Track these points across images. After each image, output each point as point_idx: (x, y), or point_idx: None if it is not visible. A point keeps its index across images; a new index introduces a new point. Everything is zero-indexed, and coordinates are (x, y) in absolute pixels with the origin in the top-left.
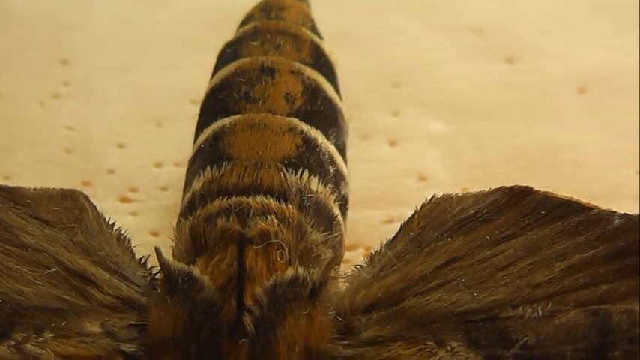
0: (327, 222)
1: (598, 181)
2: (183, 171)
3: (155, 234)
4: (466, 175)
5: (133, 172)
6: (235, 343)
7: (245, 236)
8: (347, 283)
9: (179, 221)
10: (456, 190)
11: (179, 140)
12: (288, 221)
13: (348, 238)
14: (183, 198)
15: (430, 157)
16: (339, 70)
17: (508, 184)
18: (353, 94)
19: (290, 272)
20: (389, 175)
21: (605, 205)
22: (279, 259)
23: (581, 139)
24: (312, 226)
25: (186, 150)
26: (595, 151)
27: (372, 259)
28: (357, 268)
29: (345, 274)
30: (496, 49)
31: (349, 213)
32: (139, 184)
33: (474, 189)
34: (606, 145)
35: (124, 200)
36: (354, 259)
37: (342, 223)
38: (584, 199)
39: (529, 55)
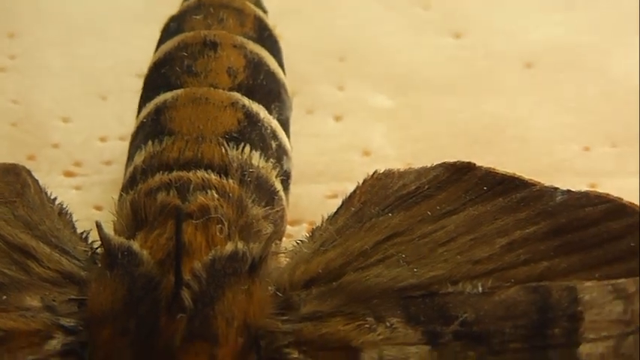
0: (269, 197)
1: (544, 157)
2: (127, 145)
3: (99, 208)
4: (411, 149)
5: (77, 146)
6: (173, 318)
7: (182, 210)
8: (287, 259)
9: (121, 195)
10: (400, 164)
11: (124, 114)
12: (229, 196)
13: (291, 213)
14: (125, 172)
15: (375, 131)
16: (284, 44)
17: (453, 159)
18: (298, 68)
19: (229, 247)
20: (333, 150)
21: (550, 181)
22: (218, 233)
23: (527, 114)
24: (252, 201)
25: (131, 124)
26: (541, 126)
27: (313, 234)
28: (297, 243)
29: (286, 249)
30: (443, 24)
31: (292, 188)
32: (83, 158)
33: (419, 164)
34: (552, 120)
35: (69, 174)
36: (297, 234)
37: (283, 197)
38: (529, 175)
39: (476, 29)
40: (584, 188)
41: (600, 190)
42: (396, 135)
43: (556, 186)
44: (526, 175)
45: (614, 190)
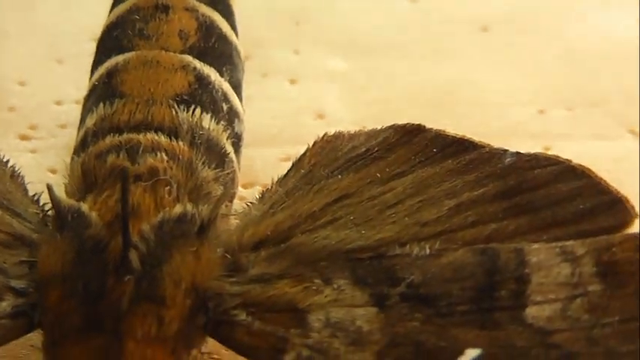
0: (219, 159)
1: (498, 120)
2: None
3: (54, 171)
4: (365, 113)
5: (33, 110)
6: (121, 280)
7: (127, 171)
8: (237, 221)
9: (72, 158)
10: (355, 128)
11: (80, 78)
12: (179, 158)
13: (244, 176)
14: (77, 135)
15: (330, 94)
16: (240, 7)
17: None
18: (253, 31)
19: (178, 209)
20: (288, 113)
21: (505, 144)
22: (167, 195)
23: (483, 78)
24: (202, 163)
25: (86, 88)
26: (496, 89)
27: (262, 196)
28: (247, 205)
29: (236, 211)
30: None
31: (246, 151)
32: (38, 122)
33: (373, 127)
34: (507, 83)
35: (24, 138)
36: (250, 196)
37: (234, 160)
38: (484, 138)
39: None
40: (538, 151)
41: (555, 153)
42: (351, 98)
43: (506, 148)
44: (481, 138)
45: (568, 153)
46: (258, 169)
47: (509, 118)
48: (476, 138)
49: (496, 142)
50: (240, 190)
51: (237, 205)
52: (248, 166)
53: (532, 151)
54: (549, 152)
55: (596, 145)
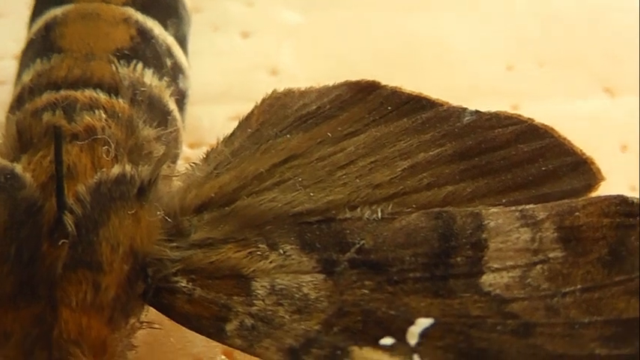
0: (161, 117)
1: (464, 77)
2: None
3: None
4: (321, 69)
5: None
6: (55, 244)
7: (61, 129)
8: (180, 183)
9: (8, 117)
10: (309, 85)
11: (18, 33)
12: (118, 116)
13: (191, 135)
14: (13, 92)
15: (284, 49)
16: None
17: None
18: None
19: (117, 170)
20: (239, 69)
21: (470, 103)
22: (105, 155)
23: (448, 32)
24: (144, 122)
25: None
26: (462, 43)
27: (207, 157)
28: (191, 166)
29: (179, 172)
30: None
31: (193, 109)
32: None
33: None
34: (475, 37)
35: None
36: (197, 157)
37: (178, 118)
38: (448, 96)
39: None
40: (504, 110)
41: (523, 112)
42: (306, 53)
43: (465, 107)
44: (443, 96)
45: (538, 112)
46: (206, 128)
47: (474, 75)
48: (438, 96)
49: (460, 101)
50: (187, 151)
51: (182, 166)
52: (195, 124)
53: (499, 110)
54: (517, 112)
55: (569, 105)
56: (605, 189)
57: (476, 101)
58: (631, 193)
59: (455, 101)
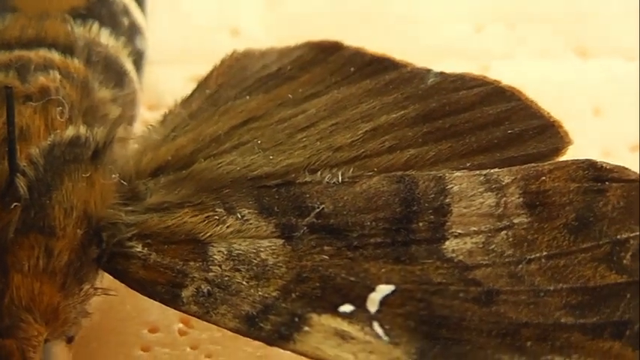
0: (118, 78)
1: (431, 37)
2: None
3: None
4: (285, 30)
5: None
6: (7, 208)
7: (12, 90)
8: (136, 145)
9: None
10: (271, 46)
11: None
12: (73, 77)
13: (149, 97)
14: None
15: (246, 9)
16: None
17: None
18: None
19: (71, 131)
20: (200, 29)
21: (438, 64)
22: (59, 117)
23: None
24: (99, 83)
25: None
26: (429, 3)
27: (164, 119)
28: (148, 128)
29: (135, 135)
30: None
31: (153, 69)
32: None
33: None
34: None
35: None
36: (155, 119)
37: (135, 79)
38: (415, 58)
39: None
40: (472, 72)
41: (492, 74)
42: (269, 13)
43: (430, 68)
44: (410, 58)
45: (508, 75)
46: (165, 89)
47: (442, 36)
48: (405, 58)
49: (427, 63)
50: (145, 112)
51: (140, 128)
52: (153, 86)
53: (466, 72)
54: (487, 73)
55: (540, 67)
56: (576, 153)
57: (444, 63)
58: (603, 158)
59: (422, 63)
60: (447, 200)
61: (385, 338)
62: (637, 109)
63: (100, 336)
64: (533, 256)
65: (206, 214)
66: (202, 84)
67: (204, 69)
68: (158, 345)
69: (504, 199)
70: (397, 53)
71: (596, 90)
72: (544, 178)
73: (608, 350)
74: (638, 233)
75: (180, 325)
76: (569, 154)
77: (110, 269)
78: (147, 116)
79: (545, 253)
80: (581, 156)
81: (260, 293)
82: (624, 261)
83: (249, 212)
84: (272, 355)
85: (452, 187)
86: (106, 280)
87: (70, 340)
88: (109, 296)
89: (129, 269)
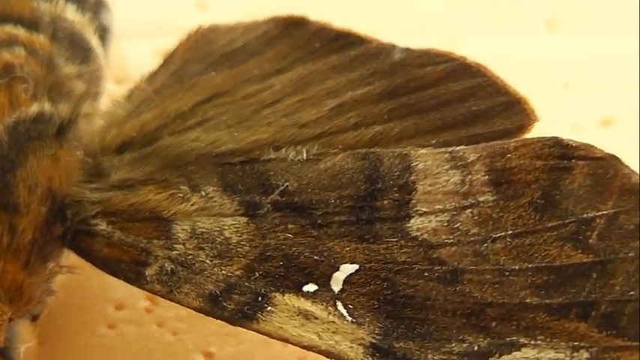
0: (84, 54)
1: (400, 13)
2: None
3: None
4: (253, 3)
5: None
6: None
7: None
8: (102, 121)
9: None
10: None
11: None
12: (38, 53)
13: (117, 71)
14: None
15: None
16: None
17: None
18: None
19: (35, 108)
20: (168, 2)
21: (409, 40)
22: (24, 94)
23: None
24: (65, 59)
25: None
26: None
27: (130, 94)
28: (113, 104)
29: (100, 110)
30: None
31: (119, 44)
32: None
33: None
34: None
35: None
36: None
37: (101, 55)
38: (386, 34)
39: None
40: (444, 47)
41: (463, 49)
42: None
43: (395, 43)
44: (383, 34)
45: (478, 49)
46: (132, 63)
47: (411, 11)
48: (373, 33)
49: (396, 38)
50: (113, 87)
51: (108, 102)
52: (121, 60)
53: (437, 47)
54: (457, 48)
55: (509, 41)
56: (546, 128)
57: (413, 38)
58: (573, 133)
59: (391, 38)
60: (412, 178)
61: (349, 318)
62: (607, 83)
63: (65, 314)
64: (498, 235)
65: (170, 192)
66: (168, 59)
67: (172, 42)
68: (124, 322)
69: (470, 176)
70: (364, 29)
71: (566, 64)
72: (510, 155)
73: (574, 331)
74: (604, 212)
75: (147, 302)
76: (539, 129)
77: (74, 247)
78: (115, 90)
79: (510, 232)
80: (551, 131)
81: (223, 272)
82: (590, 240)
83: (213, 190)
84: (238, 332)
85: (417, 165)
86: (72, 257)
87: (34, 319)
88: (74, 274)
89: (93, 247)
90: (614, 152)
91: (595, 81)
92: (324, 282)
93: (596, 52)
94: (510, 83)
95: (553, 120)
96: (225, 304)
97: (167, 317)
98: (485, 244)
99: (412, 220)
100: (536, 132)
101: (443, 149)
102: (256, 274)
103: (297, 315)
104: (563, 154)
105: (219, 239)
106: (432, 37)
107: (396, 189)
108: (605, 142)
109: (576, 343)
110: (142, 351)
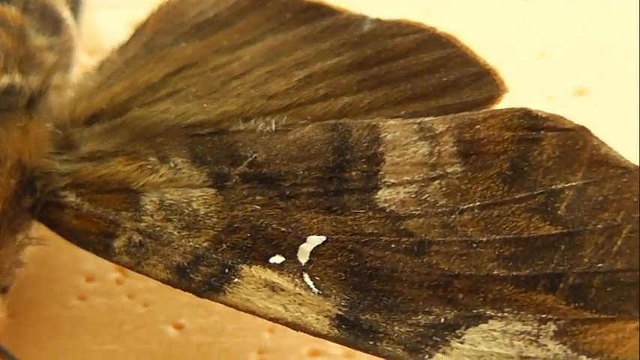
0: (55, 25)
1: None
2: None
3: None
4: None
5: None
6: None
7: None
8: (72, 93)
9: None
10: None
11: None
12: (9, 25)
13: (90, 42)
14: None
15: None
16: None
17: None
18: None
19: (5, 80)
20: None
21: (379, 10)
22: None
23: None
24: (36, 31)
25: None
26: None
27: (101, 66)
28: (84, 75)
29: (71, 82)
30: None
31: (92, 14)
32: None
33: None
34: None
35: None
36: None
37: (73, 26)
38: (358, 4)
39: None
40: (417, 17)
41: (436, 19)
42: None
43: (366, 14)
44: (352, 3)
45: (451, 18)
46: (105, 34)
47: None
48: (342, 4)
49: (368, 8)
50: (85, 58)
51: (80, 73)
52: (94, 31)
53: (409, 18)
54: (430, 17)
55: (482, 9)
56: (519, 98)
57: (386, 8)
58: (547, 103)
59: (363, 8)
60: (380, 149)
61: (315, 290)
62: (582, 52)
63: (35, 285)
64: (466, 207)
65: (139, 163)
66: (139, 30)
67: (144, 13)
68: (94, 294)
69: (438, 147)
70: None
71: (540, 33)
72: (478, 126)
73: (542, 303)
74: (573, 183)
75: (117, 274)
76: (513, 100)
77: (44, 219)
78: (87, 61)
79: (478, 204)
80: (524, 102)
81: (191, 244)
82: (559, 212)
83: (182, 161)
84: (209, 304)
85: (385, 136)
86: (43, 229)
87: (4, 291)
88: (44, 246)
89: (62, 219)
90: (589, 122)
91: (569, 51)
92: (291, 254)
93: (571, 22)
94: (482, 54)
95: (527, 90)
96: (192, 275)
97: (138, 289)
98: (453, 216)
99: (380, 192)
100: (509, 103)
101: (411, 120)
102: (224, 245)
103: (264, 287)
104: (532, 125)
105: (187, 211)
106: (406, 6)
107: (364, 160)
108: (580, 113)
109: (544, 316)
110: (112, 323)
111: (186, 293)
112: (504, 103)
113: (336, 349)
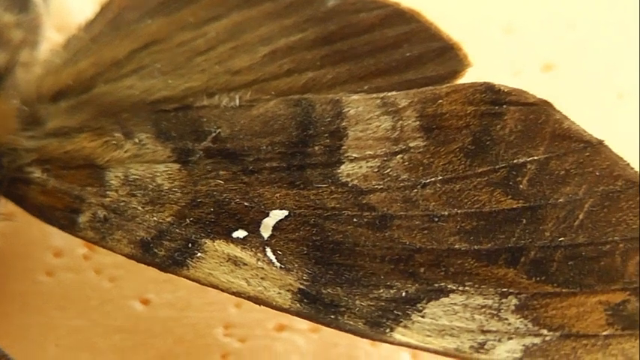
0: (22, 3)
1: None
2: None
3: None
4: None
5: None
6: None
7: None
8: (39, 70)
9: None
10: None
11: None
12: None
13: (59, 18)
14: None
15: None
16: None
17: None
18: None
19: None
20: None
21: None
22: None
23: None
24: (4, 8)
25: None
26: None
27: (67, 43)
28: (51, 52)
29: (38, 59)
30: None
31: None
32: None
33: None
34: None
35: None
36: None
37: (41, 4)
38: None
39: None
40: None
41: None
42: None
43: None
44: None
45: None
46: (73, 11)
47: None
48: None
49: None
50: (54, 35)
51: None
52: (63, 7)
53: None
54: None
55: None
56: (486, 74)
57: None
58: (514, 78)
59: None
60: (344, 124)
61: (277, 264)
62: (550, 26)
63: (3, 261)
64: (428, 181)
65: (104, 139)
66: (105, 7)
67: None
68: (62, 270)
69: (400, 122)
70: None
71: (507, 7)
72: (441, 101)
73: (503, 277)
74: (535, 157)
75: (85, 249)
76: (479, 75)
77: (10, 195)
78: (56, 38)
79: (440, 178)
80: (491, 77)
81: (155, 219)
82: (521, 186)
83: (146, 137)
84: (175, 279)
85: (348, 111)
86: (11, 205)
87: None
88: (13, 221)
89: (28, 195)
90: (556, 97)
91: (536, 25)
92: (253, 228)
93: None
94: (448, 29)
95: (493, 65)
96: (156, 250)
97: (105, 264)
98: (415, 190)
99: (342, 166)
100: (476, 78)
101: (375, 95)
102: (187, 220)
103: (227, 261)
104: (494, 100)
105: (151, 186)
106: None
107: (327, 135)
108: (547, 88)
109: (505, 290)
110: (79, 298)
111: (153, 268)
112: (471, 79)
113: (302, 324)
